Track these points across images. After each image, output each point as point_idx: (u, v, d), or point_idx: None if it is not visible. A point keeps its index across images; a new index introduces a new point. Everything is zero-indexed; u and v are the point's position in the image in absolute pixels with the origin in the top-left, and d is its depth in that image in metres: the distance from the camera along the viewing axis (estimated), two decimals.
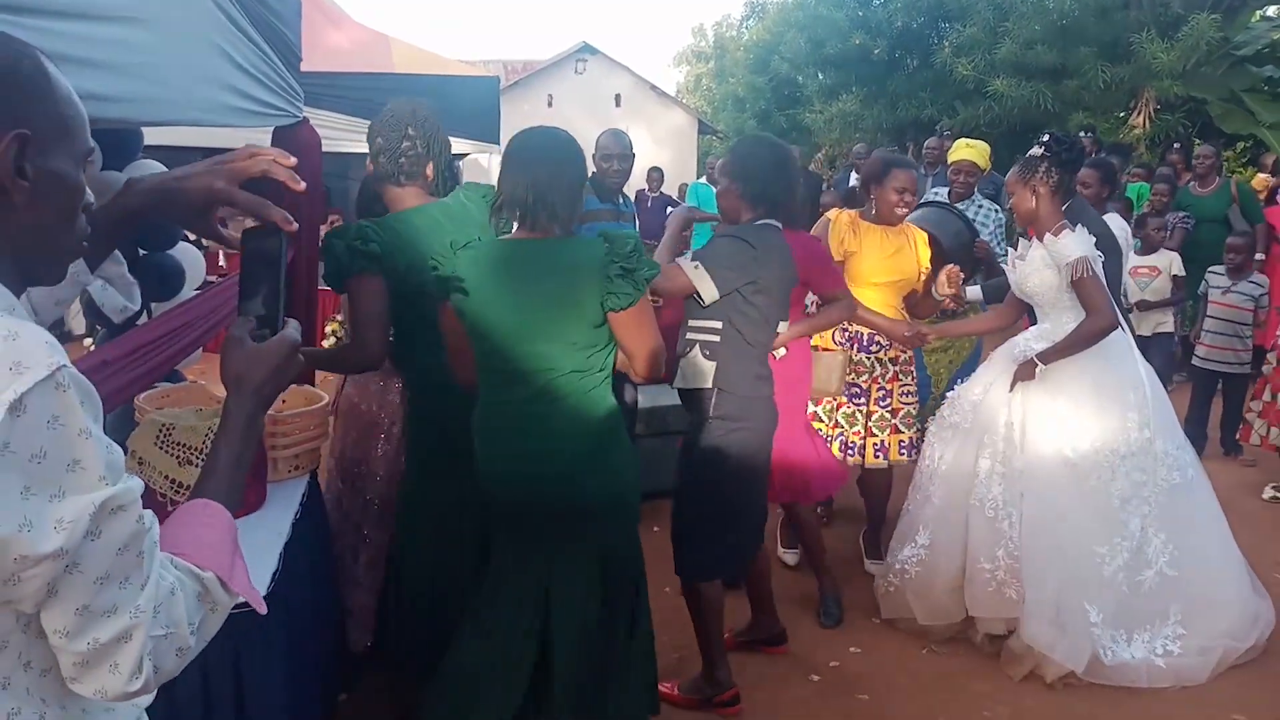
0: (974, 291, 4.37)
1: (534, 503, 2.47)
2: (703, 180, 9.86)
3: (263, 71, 2.98)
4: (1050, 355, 3.49)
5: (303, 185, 1.46)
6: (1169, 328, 6.26)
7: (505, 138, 4.47)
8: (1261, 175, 8.50)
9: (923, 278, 4.04)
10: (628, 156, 4.48)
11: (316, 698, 2.74)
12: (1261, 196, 7.69)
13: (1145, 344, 6.07)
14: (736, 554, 3.19)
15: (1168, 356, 6.33)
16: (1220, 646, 3.45)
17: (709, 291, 2.91)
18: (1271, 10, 12.95)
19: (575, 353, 2.39)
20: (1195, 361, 5.90)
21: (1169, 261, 6.23)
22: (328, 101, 6.07)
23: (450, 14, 78.29)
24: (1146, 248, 6.25)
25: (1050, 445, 3.48)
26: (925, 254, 4.05)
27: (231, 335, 1.27)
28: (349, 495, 3.27)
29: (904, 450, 4.05)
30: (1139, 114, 11.59)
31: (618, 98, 22.17)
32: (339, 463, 3.32)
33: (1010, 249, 3.98)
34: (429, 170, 2.83)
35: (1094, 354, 3.50)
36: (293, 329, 1.31)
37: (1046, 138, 3.58)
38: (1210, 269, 5.94)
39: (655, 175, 11.84)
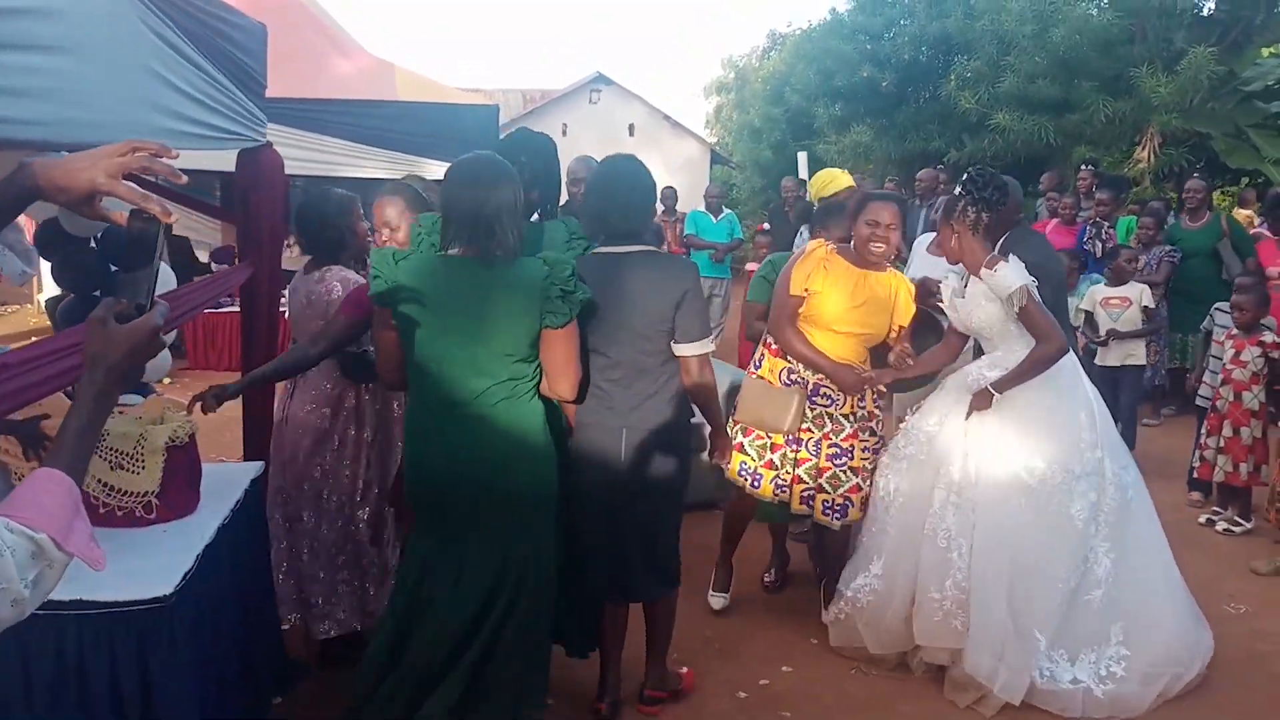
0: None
1: (450, 492, 2.66)
2: (701, 208, 9.95)
3: (211, 97, 3.13)
4: (1005, 383, 3.51)
5: (174, 216, 1.53)
6: (1139, 360, 6.23)
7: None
8: (1244, 211, 8.50)
9: (895, 335, 3.80)
10: None
11: (241, 698, 2.84)
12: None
13: (1114, 375, 6.13)
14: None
15: (1137, 388, 6.31)
16: (1165, 675, 3.46)
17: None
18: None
19: (511, 363, 2.60)
20: (1200, 402, 5.63)
21: (1139, 293, 6.24)
22: (332, 127, 6.28)
23: (472, 44, 79.43)
24: (1115, 279, 6.26)
25: (1006, 472, 3.49)
26: (907, 310, 3.80)
27: (94, 315, 1.36)
28: (301, 498, 3.44)
29: (864, 508, 3.80)
30: (1143, 148, 11.58)
31: (631, 127, 22.40)
32: (288, 470, 3.45)
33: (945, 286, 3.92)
34: (535, 195, 3.07)
35: (1044, 378, 3.54)
36: (159, 313, 1.39)
37: (965, 177, 3.63)
38: (1217, 306, 5.79)
39: (669, 193, 11.25)
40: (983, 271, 3.53)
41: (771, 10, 60.51)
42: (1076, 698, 3.37)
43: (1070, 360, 3.66)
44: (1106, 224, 7.91)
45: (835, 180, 4.88)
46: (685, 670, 3.50)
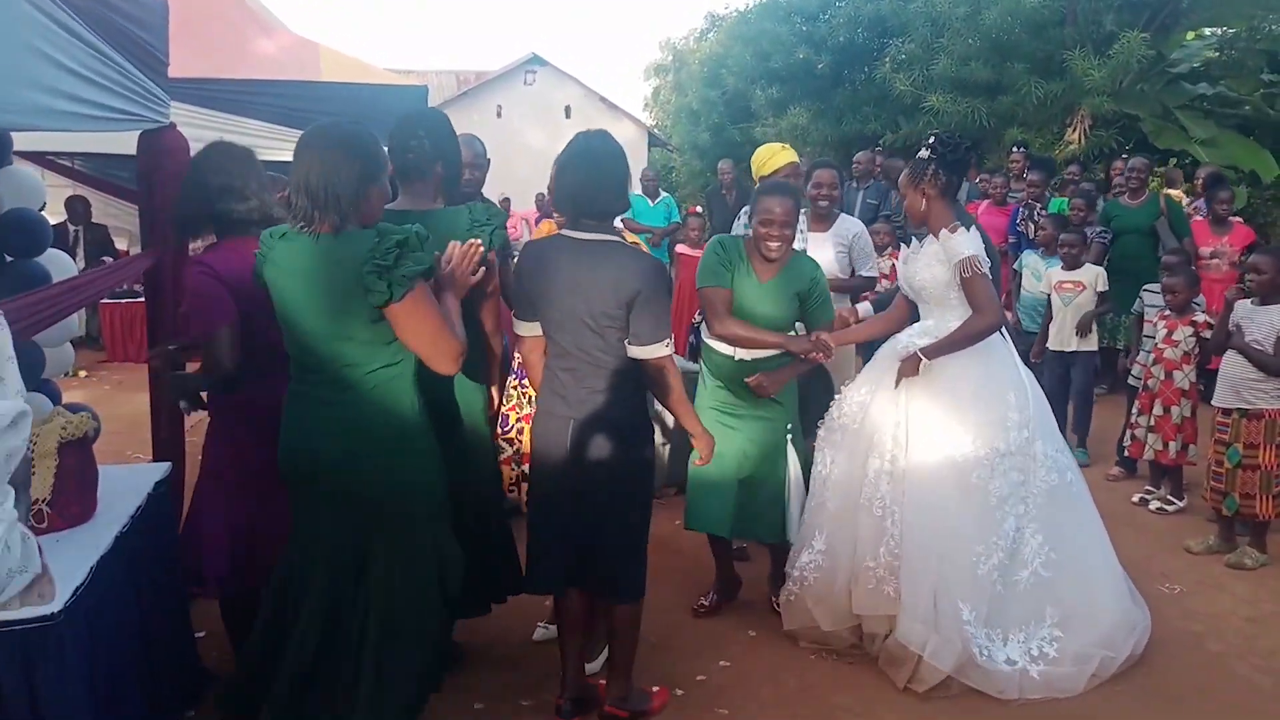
0: (864, 309, 4.35)
1: (312, 484, 2.59)
2: (638, 192, 9.82)
3: (104, 75, 2.95)
4: (933, 351, 3.52)
5: None
6: (1092, 345, 6.17)
7: None
8: (1173, 191, 8.61)
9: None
10: (479, 164, 4.30)
11: (142, 714, 2.68)
12: None
13: (1069, 360, 6.13)
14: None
15: (1090, 371, 6.29)
16: (1098, 656, 3.46)
17: None
18: (1206, 29, 13.15)
19: (358, 347, 2.47)
20: (1131, 381, 5.70)
21: (1094, 276, 6.15)
22: (253, 109, 6.05)
23: (404, 25, 78.03)
24: (1069, 263, 6.22)
25: (933, 444, 3.51)
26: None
27: None
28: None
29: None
30: (1074, 130, 11.70)
31: (567, 109, 22.16)
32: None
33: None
34: (438, 169, 3.01)
35: (976, 355, 3.54)
36: None
37: (932, 139, 3.60)
38: (1145, 287, 5.84)
39: None
40: (942, 233, 3.52)
41: None
42: (1014, 679, 3.35)
43: (1001, 340, 3.66)
44: (1039, 205, 7.95)
45: (775, 156, 4.51)
46: (656, 689, 3.29)
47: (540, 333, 2.99)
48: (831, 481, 3.69)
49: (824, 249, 4.57)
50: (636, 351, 2.86)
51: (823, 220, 4.70)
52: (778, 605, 3.82)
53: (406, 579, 2.60)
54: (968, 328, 3.49)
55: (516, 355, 3.59)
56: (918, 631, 3.35)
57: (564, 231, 2.96)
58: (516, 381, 4.22)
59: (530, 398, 3.30)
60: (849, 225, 4.82)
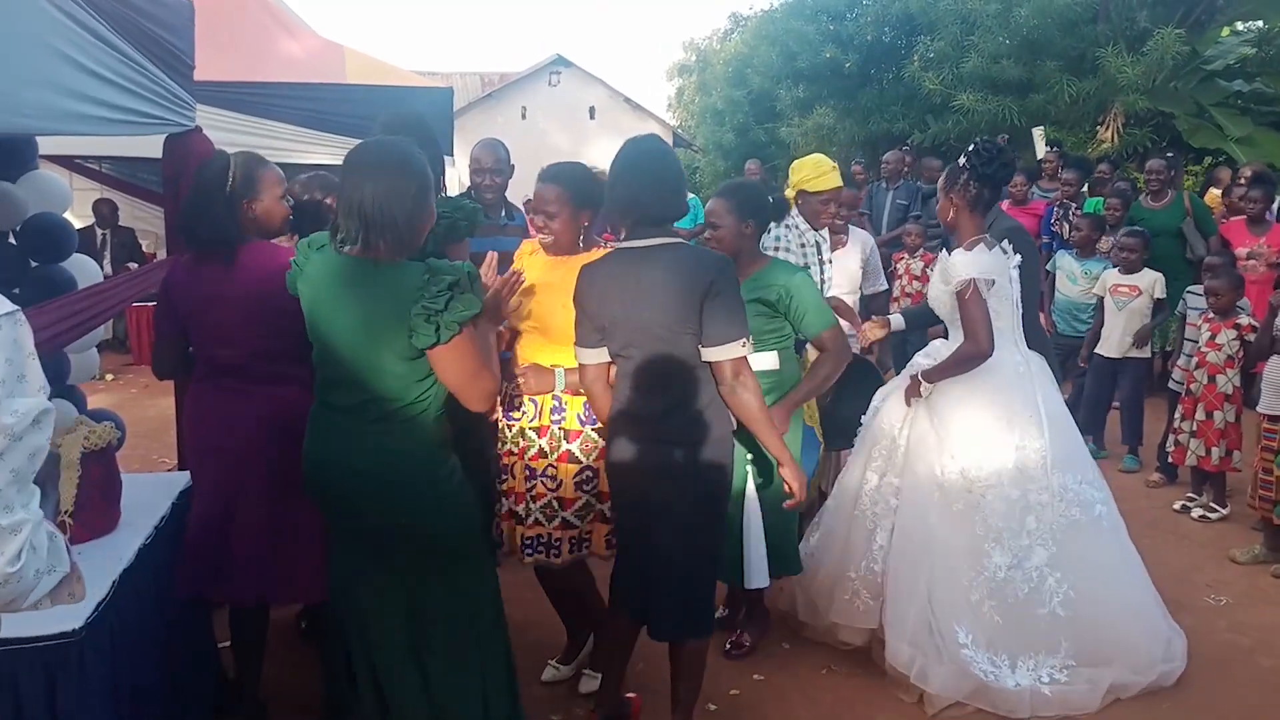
0: (896, 320, 4.22)
1: (335, 509, 2.51)
2: None
3: (130, 79, 2.91)
4: (932, 374, 3.46)
5: None
6: (1145, 351, 5.96)
7: (468, 149, 4.33)
8: (1214, 191, 8.43)
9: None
10: (502, 169, 4.23)
11: None
12: (1215, 213, 7.59)
13: (1117, 366, 5.97)
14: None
15: (1140, 380, 6.05)
16: (1110, 677, 3.31)
17: None
18: (1241, 24, 12.93)
19: (392, 381, 2.35)
20: (1173, 385, 5.56)
21: (1151, 282, 5.92)
22: (279, 112, 6.03)
23: (429, 27, 78.36)
24: (1127, 267, 6.01)
25: (925, 466, 3.46)
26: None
27: None
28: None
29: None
30: (1107, 128, 11.53)
31: (592, 110, 22.13)
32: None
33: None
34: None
35: (980, 378, 3.42)
36: None
37: (970, 148, 3.47)
38: (1189, 289, 5.66)
39: None
40: (955, 251, 3.43)
41: None
42: (1024, 698, 3.22)
43: (1013, 364, 3.50)
44: (1074, 204, 7.80)
45: (825, 177, 4.05)
46: None
47: (605, 359, 2.79)
48: (840, 484, 3.76)
49: (849, 262, 4.78)
50: (711, 354, 2.64)
51: (840, 235, 4.75)
52: (742, 644, 3.65)
53: (456, 613, 2.51)
54: (958, 354, 3.40)
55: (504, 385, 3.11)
56: (904, 652, 3.29)
57: (623, 244, 2.78)
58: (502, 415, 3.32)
59: (521, 430, 3.10)
60: (864, 239, 4.98)
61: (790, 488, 2.77)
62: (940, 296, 3.49)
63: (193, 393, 2.97)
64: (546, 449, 3.06)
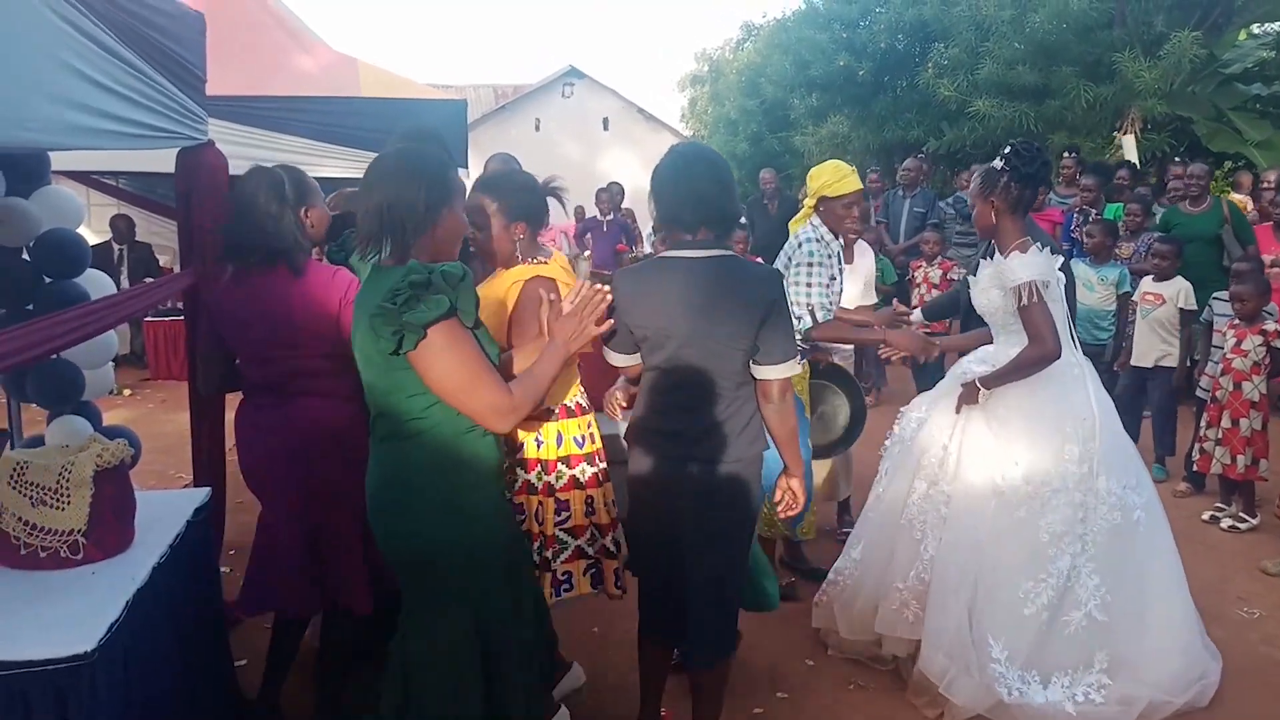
0: (916, 315, 4.18)
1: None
2: None
3: (141, 93, 2.87)
4: (991, 381, 3.37)
5: None
6: (1172, 361, 5.82)
7: (481, 161, 4.28)
8: (1238, 196, 8.31)
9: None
10: None
11: None
12: None
13: (1145, 375, 5.88)
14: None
15: (1169, 390, 5.90)
16: (1146, 698, 3.21)
17: None
18: (1258, 28, 12.82)
19: (391, 396, 2.29)
20: (1199, 393, 5.45)
21: (1177, 291, 5.79)
22: (292, 125, 6.02)
23: (442, 40, 78.72)
24: (1160, 274, 5.89)
25: (980, 473, 3.36)
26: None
27: None
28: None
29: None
30: (1124, 134, 11.44)
31: (605, 121, 22.15)
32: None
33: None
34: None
35: (1038, 383, 3.34)
36: None
37: (1009, 150, 3.39)
38: (1215, 296, 5.57)
39: (604, 197, 10.78)
40: (1011, 253, 3.35)
41: (746, 1, 60.14)
42: (1050, 716, 3.14)
43: (1070, 367, 3.42)
44: (1094, 210, 7.71)
45: (845, 180, 3.95)
46: None
47: (636, 364, 2.71)
48: (880, 496, 3.65)
49: (861, 272, 4.90)
50: (767, 372, 2.56)
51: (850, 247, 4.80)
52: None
53: (425, 652, 2.39)
54: (1022, 358, 3.30)
55: None
56: (939, 662, 3.23)
57: (671, 252, 2.62)
58: None
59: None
60: (868, 250, 5.17)
61: (796, 501, 2.75)
62: (994, 301, 3.41)
63: (242, 409, 2.99)
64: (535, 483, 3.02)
